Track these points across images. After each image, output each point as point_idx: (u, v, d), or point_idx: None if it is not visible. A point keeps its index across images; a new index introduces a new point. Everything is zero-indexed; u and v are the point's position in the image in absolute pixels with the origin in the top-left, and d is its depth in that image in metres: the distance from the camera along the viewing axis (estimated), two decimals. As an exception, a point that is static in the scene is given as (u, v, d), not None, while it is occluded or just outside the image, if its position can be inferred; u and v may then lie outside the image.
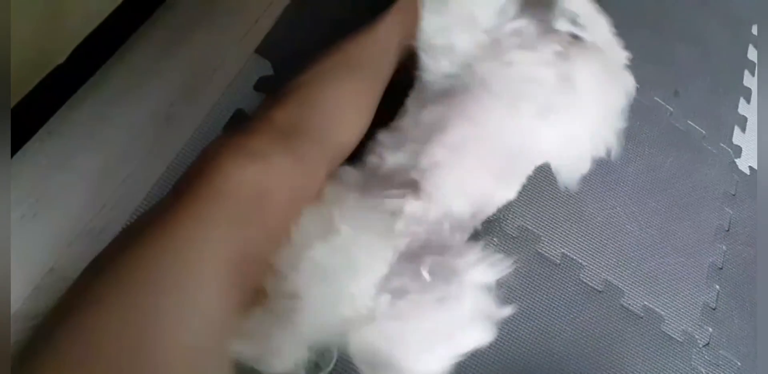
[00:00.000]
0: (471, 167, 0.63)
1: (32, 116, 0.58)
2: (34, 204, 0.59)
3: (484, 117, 0.63)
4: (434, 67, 0.67)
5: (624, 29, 0.70)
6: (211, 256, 0.44)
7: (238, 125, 0.57)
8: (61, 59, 0.57)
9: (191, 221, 0.44)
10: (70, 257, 0.58)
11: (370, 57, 0.68)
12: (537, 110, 0.64)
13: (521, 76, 0.64)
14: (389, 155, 0.62)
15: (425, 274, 0.52)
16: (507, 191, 0.68)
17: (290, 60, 0.77)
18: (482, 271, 0.53)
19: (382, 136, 0.65)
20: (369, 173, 0.62)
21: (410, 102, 0.68)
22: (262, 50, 0.77)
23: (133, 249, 0.43)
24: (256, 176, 0.49)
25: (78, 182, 0.62)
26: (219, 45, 0.75)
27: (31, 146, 0.61)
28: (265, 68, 0.77)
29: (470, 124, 0.62)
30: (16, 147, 0.59)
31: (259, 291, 0.51)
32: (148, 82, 0.69)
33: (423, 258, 0.53)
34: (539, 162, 0.71)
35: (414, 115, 0.66)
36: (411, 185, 0.58)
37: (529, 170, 0.70)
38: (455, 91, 0.65)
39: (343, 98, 0.63)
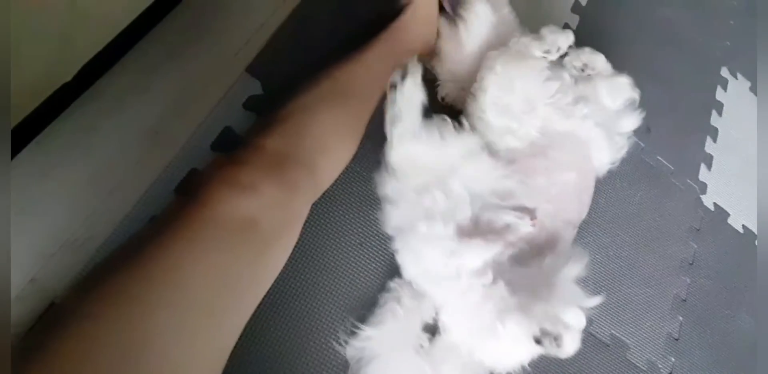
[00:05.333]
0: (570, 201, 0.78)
1: (27, 125, 0.58)
2: (18, 212, 0.59)
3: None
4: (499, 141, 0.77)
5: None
6: (201, 278, 0.45)
7: (231, 152, 0.60)
8: (68, 78, 0.58)
9: (182, 245, 0.46)
10: (52, 267, 0.58)
11: (359, 85, 0.71)
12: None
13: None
14: None
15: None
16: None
17: (280, 81, 0.78)
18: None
19: None
20: None
21: None
22: (252, 70, 0.79)
23: (126, 266, 0.44)
24: (246, 205, 0.51)
25: (64, 193, 0.62)
26: (210, 63, 0.76)
27: (19, 154, 0.61)
28: (255, 88, 0.78)
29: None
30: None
31: None
32: (138, 97, 0.70)
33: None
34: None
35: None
36: (527, 212, 0.72)
37: None
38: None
39: (333, 127, 0.65)
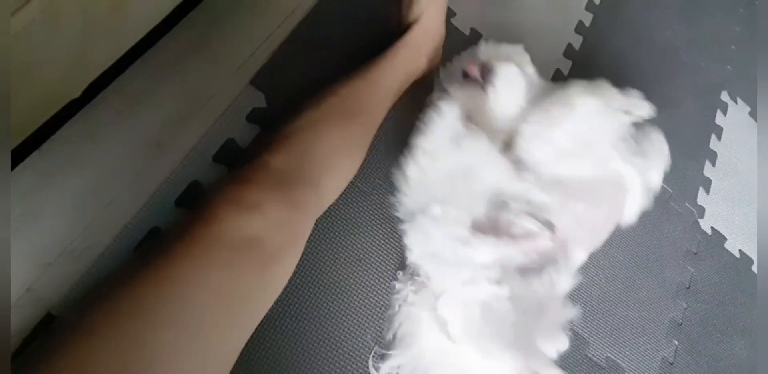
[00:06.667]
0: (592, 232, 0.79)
1: (30, 135, 0.58)
2: (17, 220, 0.58)
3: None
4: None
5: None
6: (206, 295, 0.46)
7: (236, 169, 0.61)
8: (77, 94, 0.59)
9: (187, 263, 0.46)
10: (49, 276, 0.57)
11: (364, 103, 0.71)
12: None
13: None
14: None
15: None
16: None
17: (284, 94, 0.78)
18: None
19: None
20: None
21: None
22: (256, 82, 0.79)
23: (130, 283, 0.44)
24: (250, 225, 0.51)
25: (64, 202, 0.61)
26: (215, 75, 0.76)
27: (21, 163, 0.61)
28: (259, 100, 0.78)
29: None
30: (13, 164, 0.59)
31: None
32: (141, 107, 0.70)
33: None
34: None
35: None
36: (549, 225, 0.72)
37: None
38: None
39: (338, 146, 0.66)
